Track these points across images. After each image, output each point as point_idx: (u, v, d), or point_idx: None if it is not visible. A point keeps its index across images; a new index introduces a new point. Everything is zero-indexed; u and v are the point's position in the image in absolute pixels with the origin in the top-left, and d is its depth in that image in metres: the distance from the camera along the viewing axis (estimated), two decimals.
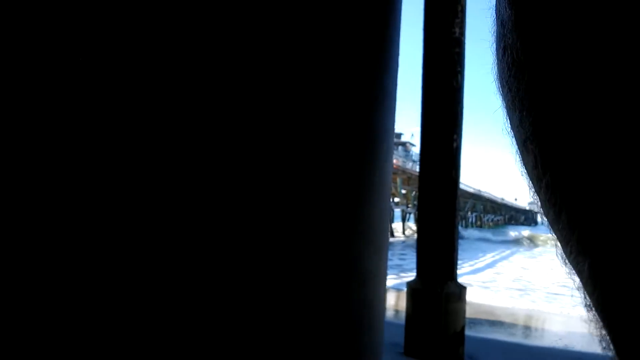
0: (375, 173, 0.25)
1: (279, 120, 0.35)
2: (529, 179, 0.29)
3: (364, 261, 0.20)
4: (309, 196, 0.29)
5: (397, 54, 0.41)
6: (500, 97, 0.30)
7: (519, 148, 0.29)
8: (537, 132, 0.26)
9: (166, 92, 0.35)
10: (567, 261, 0.27)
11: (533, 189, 0.29)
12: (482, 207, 56.45)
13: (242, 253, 0.33)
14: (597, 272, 0.24)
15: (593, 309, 0.26)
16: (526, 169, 0.29)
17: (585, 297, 0.26)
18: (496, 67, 0.30)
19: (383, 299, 0.22)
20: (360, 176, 0.22)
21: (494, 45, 0.31)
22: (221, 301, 0.32)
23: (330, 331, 0.18)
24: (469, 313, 4.76)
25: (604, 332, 0.25)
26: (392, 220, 32.00)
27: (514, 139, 0.30)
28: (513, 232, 36.70)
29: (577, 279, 0.26)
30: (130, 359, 0.31)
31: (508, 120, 0.30)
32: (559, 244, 0.27)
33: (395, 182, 34.22)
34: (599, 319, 0.25)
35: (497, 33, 0.31)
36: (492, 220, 62.26)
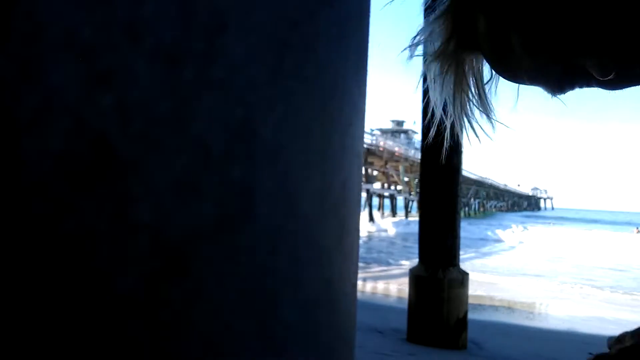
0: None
1: None
2: None
3: (321, 237, 0.18)
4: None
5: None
6: None
7: None
8: None
9: None
10: None
11: None
12: (485, 193, 56.44)
13: None
14: None
15: None
16: None
17: None
18: None
19: (350, 277, 0.20)
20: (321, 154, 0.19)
21: None
22: None
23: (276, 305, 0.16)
24: None
25: None
26: (395, 208, 31.91)
27: None
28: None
29: None
30: None
31: None
32: None
33: (398, 170, 34.18)
34: None
35: None
36: (495, 206, 62.23)
